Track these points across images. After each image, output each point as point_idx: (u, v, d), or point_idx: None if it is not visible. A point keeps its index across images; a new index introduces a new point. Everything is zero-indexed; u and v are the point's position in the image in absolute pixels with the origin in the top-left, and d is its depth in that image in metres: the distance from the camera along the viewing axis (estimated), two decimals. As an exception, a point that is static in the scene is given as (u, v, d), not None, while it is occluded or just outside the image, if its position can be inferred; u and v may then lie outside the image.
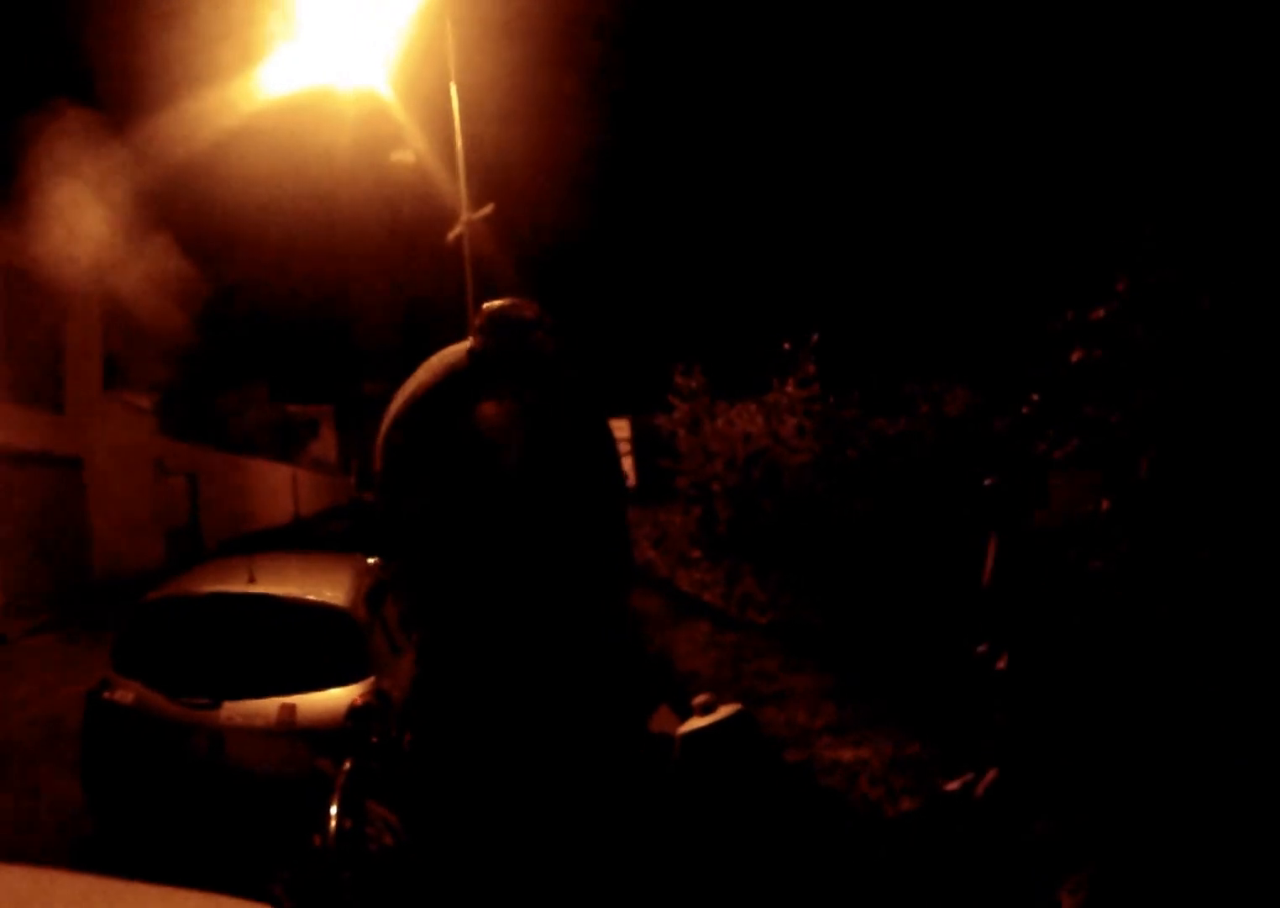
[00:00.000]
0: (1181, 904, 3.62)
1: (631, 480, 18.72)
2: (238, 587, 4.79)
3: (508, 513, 0.69)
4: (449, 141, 14.67)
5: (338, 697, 4.39)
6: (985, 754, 4.85)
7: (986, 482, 5.60)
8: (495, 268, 15.41)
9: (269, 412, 36.38)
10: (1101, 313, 6.49)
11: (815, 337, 12.22)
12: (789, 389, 12.45)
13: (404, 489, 0.74)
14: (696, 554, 14.25)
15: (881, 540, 10.00)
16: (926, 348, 12.98)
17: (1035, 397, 7.33)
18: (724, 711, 0.78)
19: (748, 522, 12.47)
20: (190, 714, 4.40)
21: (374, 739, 0.81)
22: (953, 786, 4.58)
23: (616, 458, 0.79)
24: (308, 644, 4.61)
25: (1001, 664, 5.04)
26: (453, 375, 0.75)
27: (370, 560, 5.29)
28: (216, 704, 4.39)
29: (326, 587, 4.81)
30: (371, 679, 4.47)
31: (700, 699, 0.80)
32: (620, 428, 19.24)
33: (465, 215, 14.57)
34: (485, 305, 0.77)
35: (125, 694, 4.55)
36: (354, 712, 4.30)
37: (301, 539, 22.75)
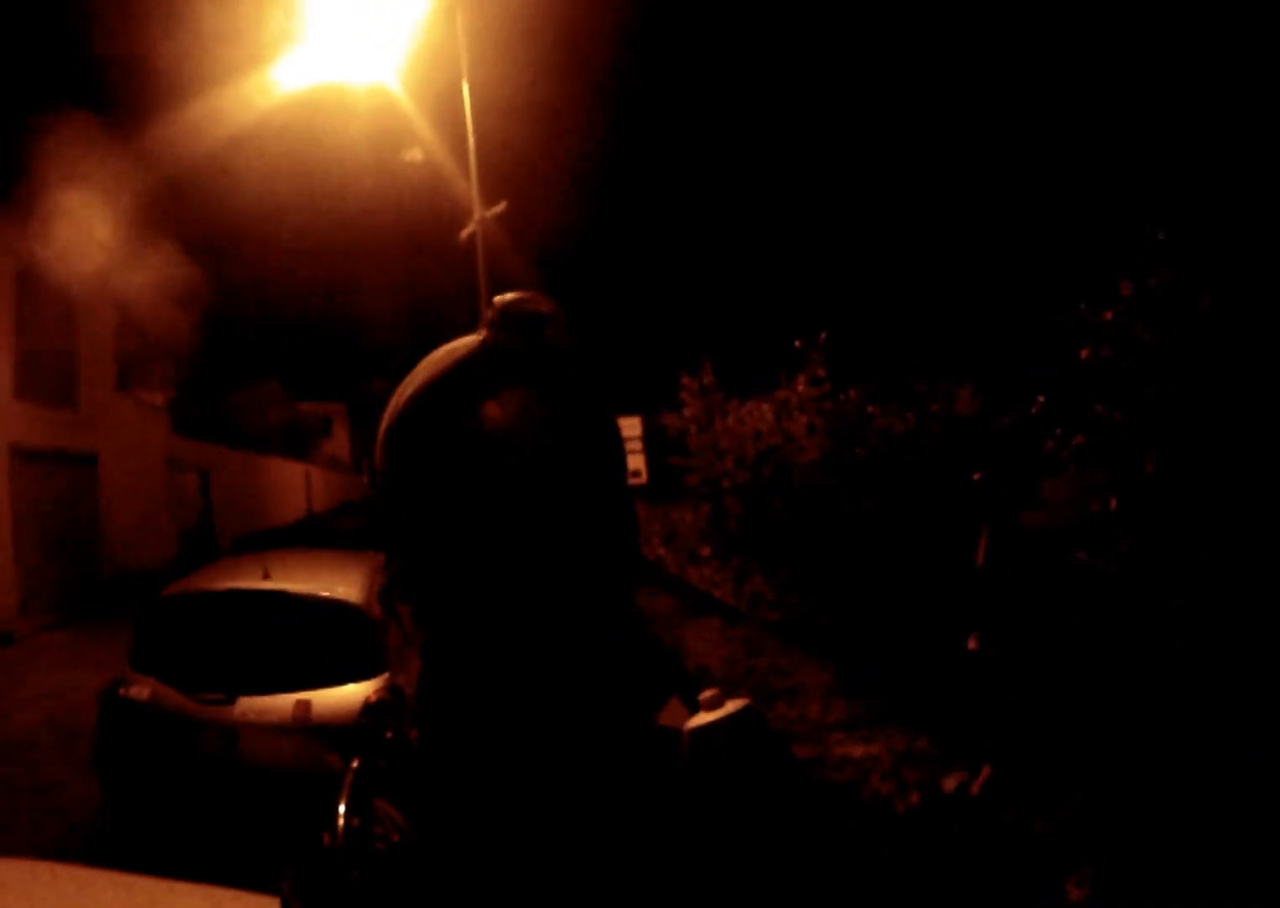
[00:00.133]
0: (1186, 892, 3.62)
1: (644, 478, 18.70)
2: (252, 583, 4.80)
3: (514, 509, 0.68)
4: (460, 140, 14.68)
5: (352, 693, 4.41)
6: (983, 750, 4.85)
7: (974, 476, 5.63)
8: (506, 265, 15.41)
9: (282, 410, 36.46)
10: (1110, 315, 6.48)
11: (824, 335, 12.19)
12: (799, 387, 12.43)
13: (408, 484, 0.73)
14: (706, 552, 14.25)
15: (890, 538, 9.99)
16: (934, 346, 12.95)
17: (1041, 398, 7.33)
18: (731, 706, 0.77)
19: (758, 519, 12.45)
20: (205, 710, 4.42)
21: (388, 735, 0.80)
22: (949, 785, 4.57)
23: (623, 456, 0.78)
24: (322, 641, 4.62)
25: (973, 644, 5.05)
26: (462, 369, 0.73)
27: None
28: (231, 700, 4.41)
29: (340, 583, 4.82)
30: (386, 675, 4.48)
31: (707, 694, 0.79)
32: (631, 426, 19.21)
33: (478, 213, 14.56)
34: (498, 298, 0.76)
35: (140, 690, 4.57)
36: (368, 708, 4.32)
37: (315, 536, 22.74)
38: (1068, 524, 7.64)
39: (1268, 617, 5.33)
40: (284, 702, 4.38)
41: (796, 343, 12.47)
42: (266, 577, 4.83)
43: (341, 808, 0.73)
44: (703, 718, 0.77)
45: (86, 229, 14.34)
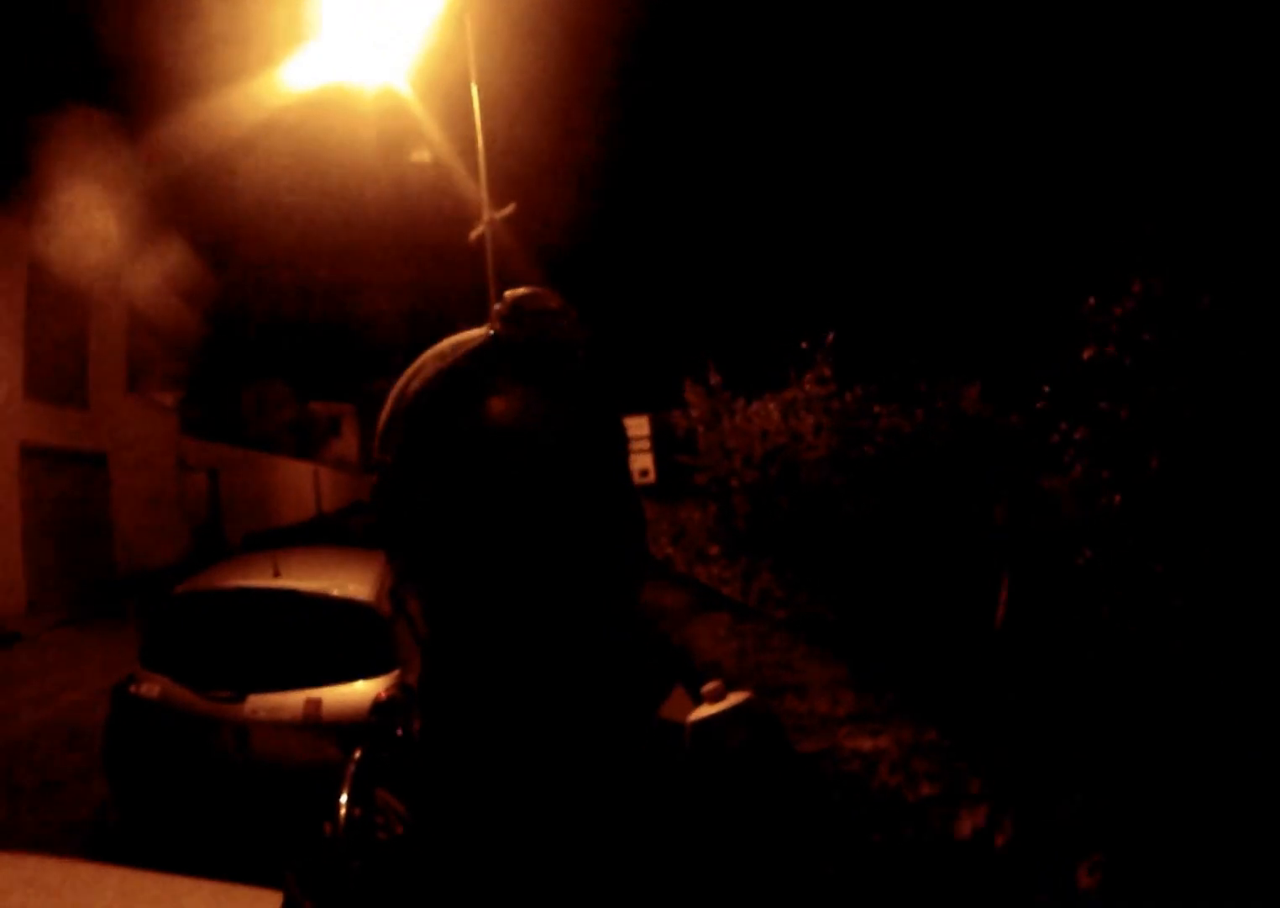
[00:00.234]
0: (1193, 883, 3.64)
1: (651, 477, 18.71)
2: (263, 581, 4.80)
3: (519, 503, 0.67)
4: (468, 141, 14.70)
5: (363, 691, 4.41)
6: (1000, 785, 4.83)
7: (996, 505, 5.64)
8: (515, 266, 15.42)
9: (291, 409, 36.56)
10: (1119, 311, 6.49)
11: (831, 336, 12.21)
12: (806, 387, 12.45)
13: (412, 477, 0.72)
14: (714, 551, 14.26)
15: (897, 535, 10.01)
16: (940, 345, 12.96)
17: (1046, 388, 7.34)
18: (734, 698, 0.77)
19: (765, 518, 12.46)
20: (216, 708, 4.42)
21: (399, 732, 0.80)
22: (964, 831, 4.53)
23: (627, 453, 0.78)
24: (333, 638, 4.63)
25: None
26: (470, 362, 0.73)
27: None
28: (242, 698, 4.41)
29: (351, 581, 4.83)
30: (396, 673, 4.49)
31: (710, 687, 0.79)
32: (639, 425, 19.23)
33: (487, 214, 14.58)
34: (508, 293, 0.76)
35: (151, 688, 4.58)
36: (379, 706, 4.33)
37: (324, 536, 22.76)
38: (1070, 523, 7.67)
39: (1268, 614, 5.34)
40: (295, 699, 4.39)
41: (803, 344, 12.49)
42: (277, 575, 4.83)
43: (343, 798, 0.73)
44: (705, 710, 0.77)
45: (97, 229, 14.40)
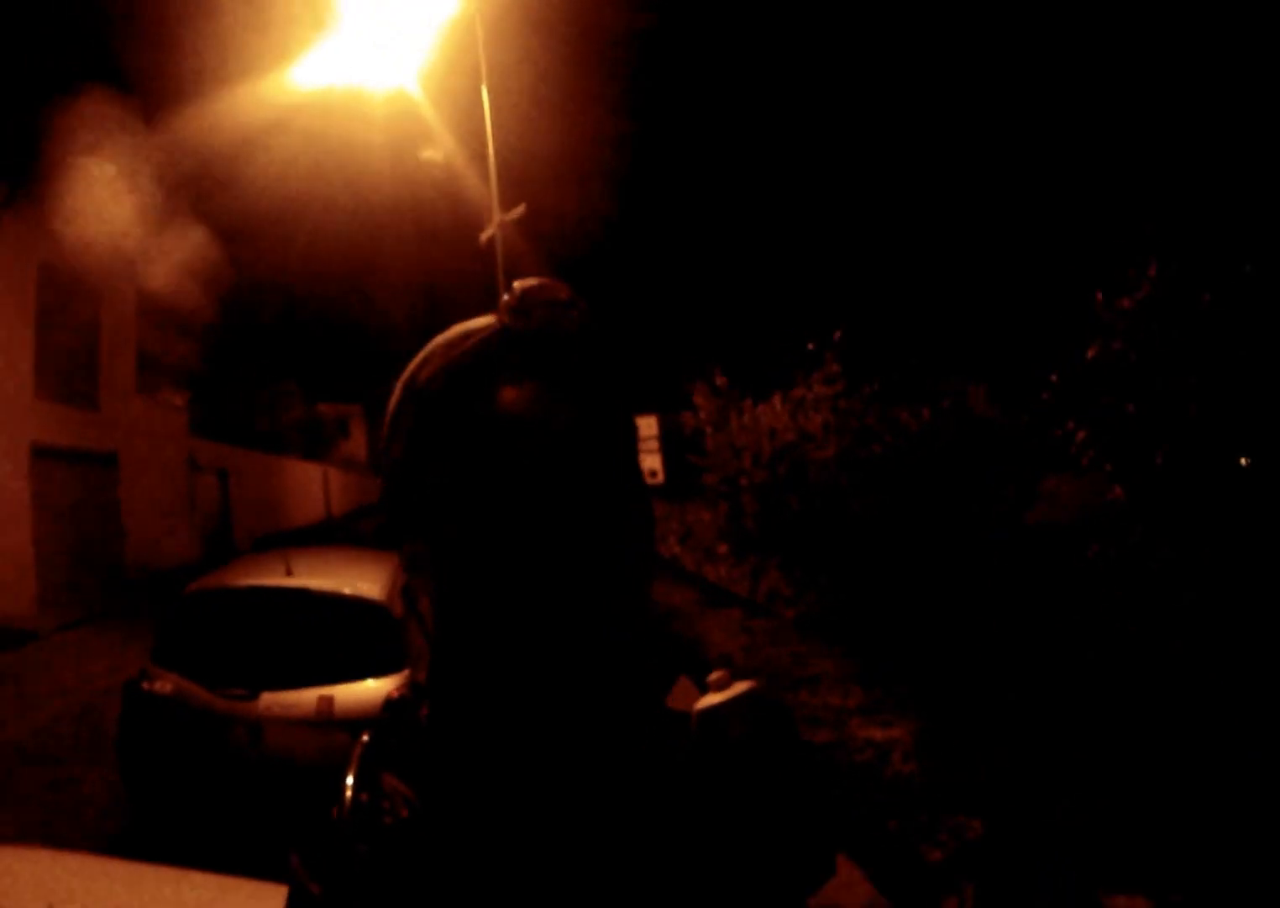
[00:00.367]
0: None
1: (660, 478, 18.72)
2: (275, 580, 4.83)
3: (527, 494, 0.68)
4: (478, 142, 14.75)
5: (374, 689, 4.43)
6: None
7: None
8: (525, 268, 15.45)
9: (300, 410, 36.64)
10: (1129, 303, 6.52)
11: (838, 333, 12.23)
12: (815, 385, 12.48)
13: (420, 466, 0.73)
14: (723, 550, 14.28)
15: (905, 533, 10.04)
16: (946, 343, 12.99)
17: (1055, 377, 7.37)
18: (739, 687, 0.78)
19: (774, 517, 12.49)
20: (228, 705, 4.44)
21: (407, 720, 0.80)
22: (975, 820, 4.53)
23: (636, 446, 0.78)
24: (345, 637, 4.65)
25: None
26: (479, 353, 0.73)
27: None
28: (254, 695, 4.43)
29: (362, 580, 4.86)
30: (408, 671, 4.51)
31: (715, 676, 0.79)
32: (648, 425, 19.26)
33: (497, 216, 14.62)
34: (517, 283, 0.76)
35: (164, 685, 4.60)
36: (390, 703, 4.33)
37: (333, 537, 22.86)
38: (1073, 521, 7.69)
39: (1270, 612, 5.35)
40: (307, 697, 4.41)
41: (810, 345, 12.52)
42: (289, 574, 4.86)
43: (349, 780, 0.74)
44: (711, 699, 0.78)
45: (107, 229, 14.43)
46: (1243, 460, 5.93)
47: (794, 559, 11.85)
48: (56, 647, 11.68)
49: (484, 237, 15.14)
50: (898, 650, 7.76)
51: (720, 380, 14.49)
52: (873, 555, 10.15)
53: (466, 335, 0.75)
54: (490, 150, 14.56)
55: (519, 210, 14.69)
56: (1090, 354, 6.72)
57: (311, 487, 35.93)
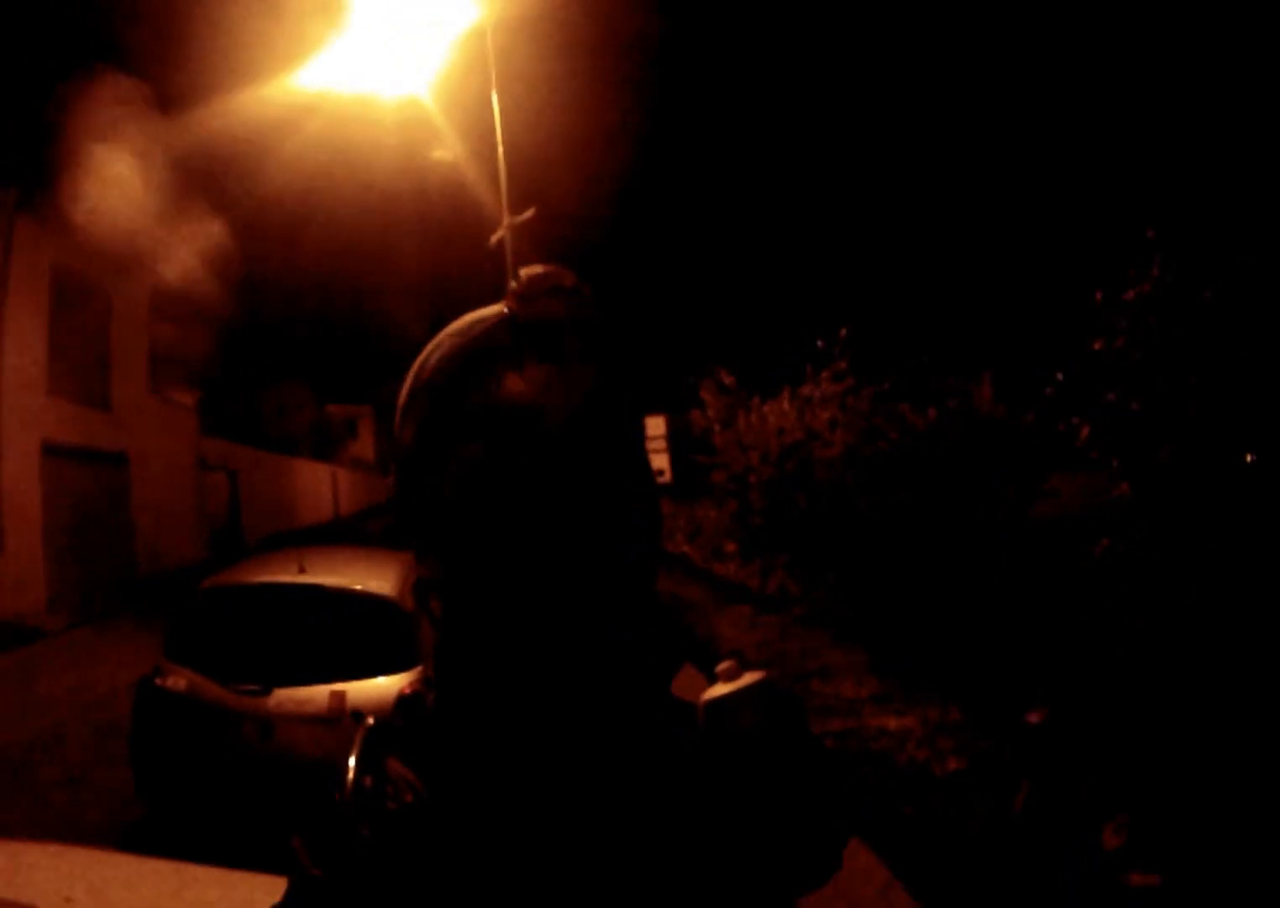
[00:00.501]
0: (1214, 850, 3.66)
1: (668, 477, 18.71)
2: (288, 577, 4.84)
3: (535, 481, 0.67)
4: (488, 146, 14.78)
5: (386, 685, 4.43)
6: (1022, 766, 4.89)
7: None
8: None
9: (309, 411, 36.71)
10: (1133, 294, 6.54)
11: (844, 331, 12.25)
12: (822, 384, 12.49)
13: (429, 454, 0.73)
14: (731, 548, 14.29)
15: (912, 530, 10.04)
16: (953, 341, 12.99)
17: (1060, 376, 7.38)
18: (748, 677, 0.77)
19: (782, 514, 12.49)
20: (241, 701, 4.45)
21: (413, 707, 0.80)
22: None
23: (643, 434, 0.77)
24: (357, 634, 4.66)
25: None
26: (486, 340, 0.73)
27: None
28: (267, 691, 4.44)
29: (374, 578, 4.86)
30: (420, 668, 4.52)
31: (724, 666, 0.78)
32: (656, 425, 19.23)
33: (507, 219, 14.65)
34: (523, 270, 0.76)
35: (177, 681, 4.62)
36: (402, 700, 4.35)
37: (342, 537, 22.85)
38: (1078, 516, 7.69)
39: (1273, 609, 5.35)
40: (319, 693, 4.41)
41: (819, 343, 12.53)
42: (302, 571, 4.87)
43: (351, 763, 0.73)
44: (719, 689, 0.77)
45: (119, 230, 14.47)
46: (1248, 457, 5.93)
47: (802, 557, 11.85)
48: (66, 645, 11.71)
49: (493, 239, 15.18)
50: (907, 645, 7.78)
51: (728, 379, 14.51)
52: (880, 553, 10.16)
53: (474, 323, 0.75)
54: (500, 154, 14.60)
55: (528, 213, 14.71)
56: (1096, 345, 6.73)
57: (320, 487, 35.96)
